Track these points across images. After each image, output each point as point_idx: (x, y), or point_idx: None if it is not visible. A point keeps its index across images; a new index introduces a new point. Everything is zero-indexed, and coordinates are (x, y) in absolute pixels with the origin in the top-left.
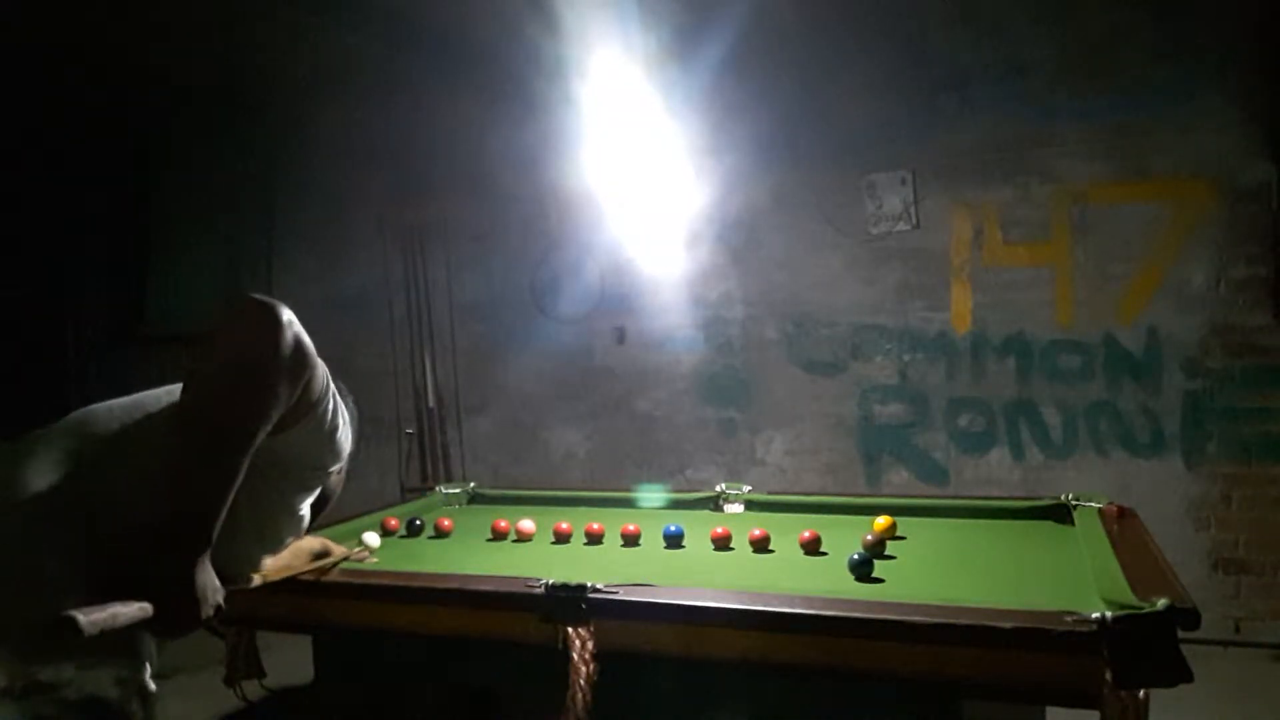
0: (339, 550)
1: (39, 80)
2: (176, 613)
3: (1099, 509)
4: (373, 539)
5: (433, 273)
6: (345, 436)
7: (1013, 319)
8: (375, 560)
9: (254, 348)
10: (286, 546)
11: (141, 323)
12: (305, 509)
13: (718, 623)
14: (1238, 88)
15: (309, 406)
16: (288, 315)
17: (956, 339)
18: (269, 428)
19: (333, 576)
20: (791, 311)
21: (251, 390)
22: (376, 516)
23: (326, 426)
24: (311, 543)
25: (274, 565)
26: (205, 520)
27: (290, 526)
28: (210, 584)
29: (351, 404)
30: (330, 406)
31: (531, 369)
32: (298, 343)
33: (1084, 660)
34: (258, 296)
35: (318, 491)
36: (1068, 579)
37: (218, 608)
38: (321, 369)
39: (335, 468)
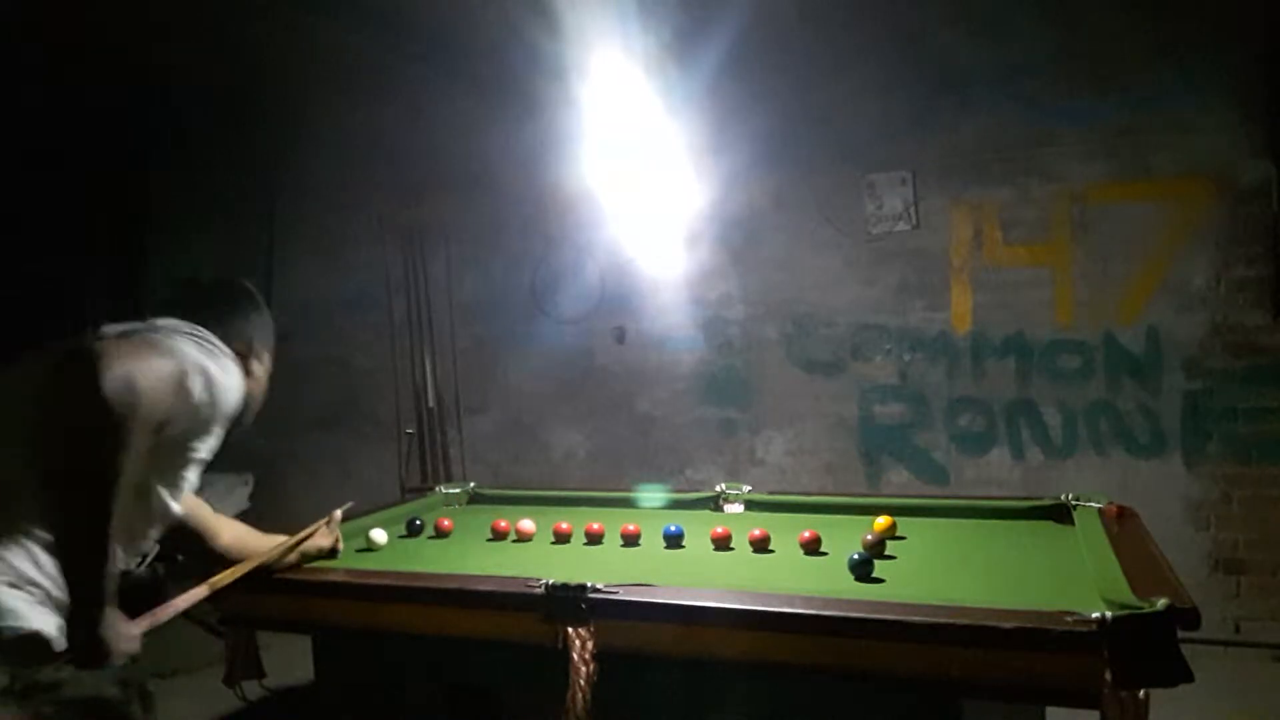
0: (304, 533)
1: (39, 80)
2: (88, 657)
3: (1099, 509)
4: (379, 535)
5: (433, 273)
6: (221, 400)
7: (1013, 319)
8: (343, 548)
9: (81, 415)
10: (188, 484)
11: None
12: (205, 452)
13: (718, 623)
14: (1238, 88)
15: (160, 426)
16: (108, 372)
17: (956, 339)
18: (130, 468)
19: (333, 576)
20: (791, 311)
21: (90, 457)
22: (378, 516)
23: (186, 418)
24: (274, 539)
25: (236, 569)
26: (96, 583)
27: (192, 468)
28: (119, 635)
29: (259, 317)
30: (181, 401)
31: (531, 369)
32: (121, 392)
33: (1084, 660)
34: (75, 350)
35: (215, 437)
36: (1068, 579)
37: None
38: (159, 392)
39: (226, 417)
